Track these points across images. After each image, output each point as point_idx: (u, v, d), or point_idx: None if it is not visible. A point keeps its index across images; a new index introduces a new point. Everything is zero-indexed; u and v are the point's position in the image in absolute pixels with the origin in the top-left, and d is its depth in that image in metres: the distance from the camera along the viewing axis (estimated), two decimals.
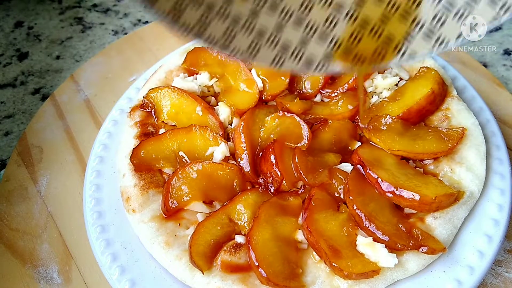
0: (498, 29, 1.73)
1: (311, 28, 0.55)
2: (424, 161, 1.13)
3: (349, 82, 1.27)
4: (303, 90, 1.32)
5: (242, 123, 1.18)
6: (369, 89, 1.29)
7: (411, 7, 0.53)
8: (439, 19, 0.53)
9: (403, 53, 0.56)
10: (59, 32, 1.94)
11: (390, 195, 1.01)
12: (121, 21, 1.99)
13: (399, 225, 0.99)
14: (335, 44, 0.56)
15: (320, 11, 0.54)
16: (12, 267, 1.13)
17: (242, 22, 0.54)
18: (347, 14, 0.54)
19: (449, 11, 0.53)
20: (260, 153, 1.15)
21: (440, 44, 0.54)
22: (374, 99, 1.27)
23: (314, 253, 0.98)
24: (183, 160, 1.16)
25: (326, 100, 1.30)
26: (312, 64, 0.56)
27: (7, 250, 1.16)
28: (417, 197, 0.98)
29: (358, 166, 1.08)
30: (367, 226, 0.97)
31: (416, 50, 0.55)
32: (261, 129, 1.19)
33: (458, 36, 0.54)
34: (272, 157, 1.09)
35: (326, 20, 0.54)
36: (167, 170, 1.17)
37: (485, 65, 1.59)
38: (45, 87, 1.70)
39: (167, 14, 0.55)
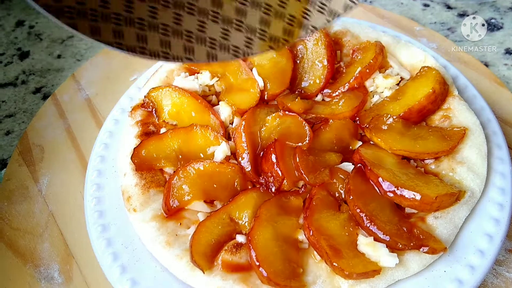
0: (499, 28, 1.72)
1: (228, 22, 0.65)
2: (425, 161, 1.13)
3: (350, 82, 1.27)
4: (304, 89, 1.32)
5: (243, 122, 1.18)
6: (370, 89, 1.29)
7: None
8: None
9: (307, 28, 0.67)
10: (60, 31, 1.94)
11: (391, 194, 1.00)
12: None
13: (400, 225, 0.99)
14: (251, 32, 0.66)
15: (229, 6, 0.64)
16: (13, 266, 1.13)
17: (173, 30, 0.63)
18: (253, 4, 0.64)
19: None
20: (261, 153, 1.15)
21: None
22: (375, 98, 1.27)
23: (315, 252, 0.98)
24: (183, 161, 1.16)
25: (327, 99, 1.30)
26: (238, 52, 0.67)
27: (8, 249, 1.16)
28: (418, 196, 0.98)
29: (359, 165, 1.08)
30: (368, 226, 0.97)
31: (315, 24, 0.67)
32: (262, 129, 1.19)
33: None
34: (273, 157, 1.09)
35: (237, 12, 0.64)
36: (168, 170, 1.16)
37: (486, 65, 1.58)
38: (46, 86, 1.70)
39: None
